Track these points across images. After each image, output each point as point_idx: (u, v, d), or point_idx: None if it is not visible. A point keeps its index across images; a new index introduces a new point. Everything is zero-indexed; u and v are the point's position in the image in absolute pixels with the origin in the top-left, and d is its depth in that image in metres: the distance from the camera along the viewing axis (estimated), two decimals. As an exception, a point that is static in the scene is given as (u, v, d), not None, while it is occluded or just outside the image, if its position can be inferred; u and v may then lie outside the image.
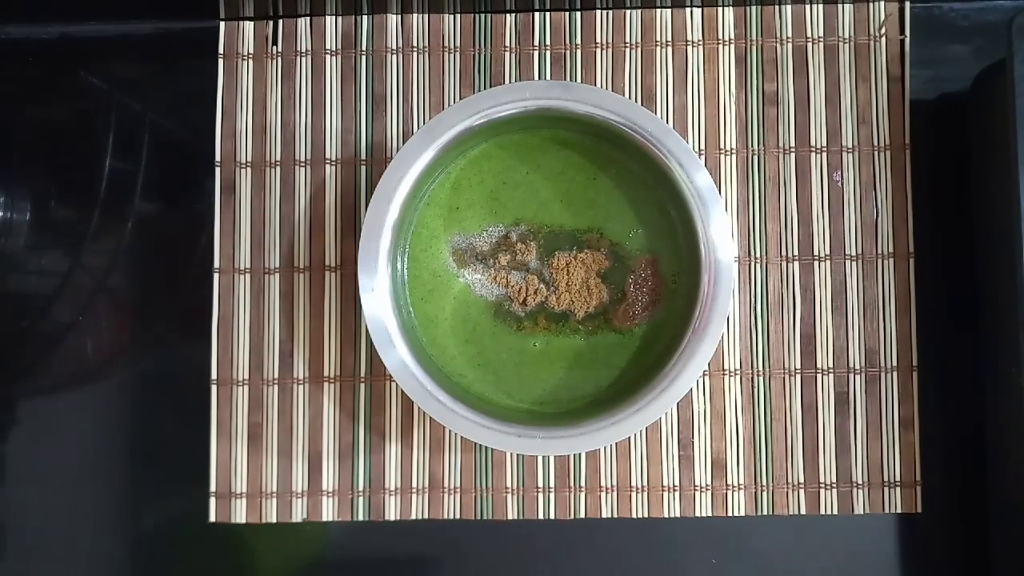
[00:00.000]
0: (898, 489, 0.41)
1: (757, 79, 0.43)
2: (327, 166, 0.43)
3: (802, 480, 0.41)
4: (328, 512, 0.42)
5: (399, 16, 0.43)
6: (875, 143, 0.42)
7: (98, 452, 0.42)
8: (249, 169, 0.43)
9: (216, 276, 0.43)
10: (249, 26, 0.44)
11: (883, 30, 0.43)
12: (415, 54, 0.43)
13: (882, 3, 0.43)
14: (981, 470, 0.41)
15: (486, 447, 0.41)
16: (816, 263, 0.42)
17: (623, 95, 0.42)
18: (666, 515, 0.41)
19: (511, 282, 0.39)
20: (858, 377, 0.42)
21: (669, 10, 0.43)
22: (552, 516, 0.42)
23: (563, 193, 0.39)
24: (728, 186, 0.42)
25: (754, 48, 0.43)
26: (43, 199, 0.44)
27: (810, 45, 0.43)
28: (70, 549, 0.42)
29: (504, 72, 0.43)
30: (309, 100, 0.43)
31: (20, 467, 0.43)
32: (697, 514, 0.41)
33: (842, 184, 0.42)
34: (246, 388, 0.42)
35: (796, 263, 0.42)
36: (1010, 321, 0.37)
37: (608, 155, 0.39)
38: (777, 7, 0.43)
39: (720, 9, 0.43)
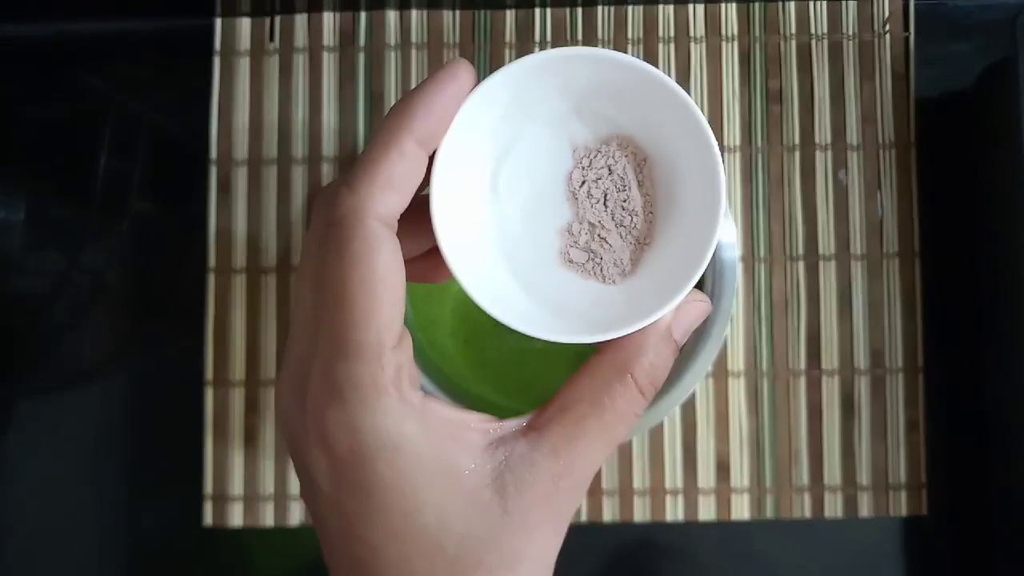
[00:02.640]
0: (904, 492, 0.41)
1: (761, 76, 0.42)
2: (324, 164, 0.42)
3: (807, 483, 0.41)
4: (325, 515, 0.41)
5: (398, 12, 0.43)
6: (880, 141, 0.42)
7: (91, 454, 0.42)
8: (245, 167, 0.42)
9: (211, 275, 0.42)
10: (246, 22, 0.43)
11: (887, 27, 0.42)
12: (414, 51, 0.43)
13: (886, 0, 0.42)
14: (988, 472, 0.40)
15: (486, 449, 0.41)
16: (821, 263, 0.42)
17: (625, 93, 0.42)
18: (668, 519, 0.41)
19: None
20: (864, 379, 0.41)
21: (672, 6, 0.42)
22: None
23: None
24: (731, 185, 0.42)
25: (758, 45, 0.42)
26: (38, 198, 0.43)
27: (814, 42, 0.42)
28: (63, 552, 0.42)
29: (504, 69, 0.43)
30: (306, 97, 0.43)
31: (12, 469, 0.42)
32: (700, 518, 0.41)
33: (847, 182, 0.42)
34: (241, 389, 0.42)
35: (800, 263, 0.42)
36: (1017, 321, 0.36)
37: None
38: (781, 4, 0.42)
39: (723, 5, 0.42)
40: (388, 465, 0.20)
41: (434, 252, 0.22)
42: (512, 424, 0.22)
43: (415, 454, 0.20)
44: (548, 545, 0.22)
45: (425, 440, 0.20)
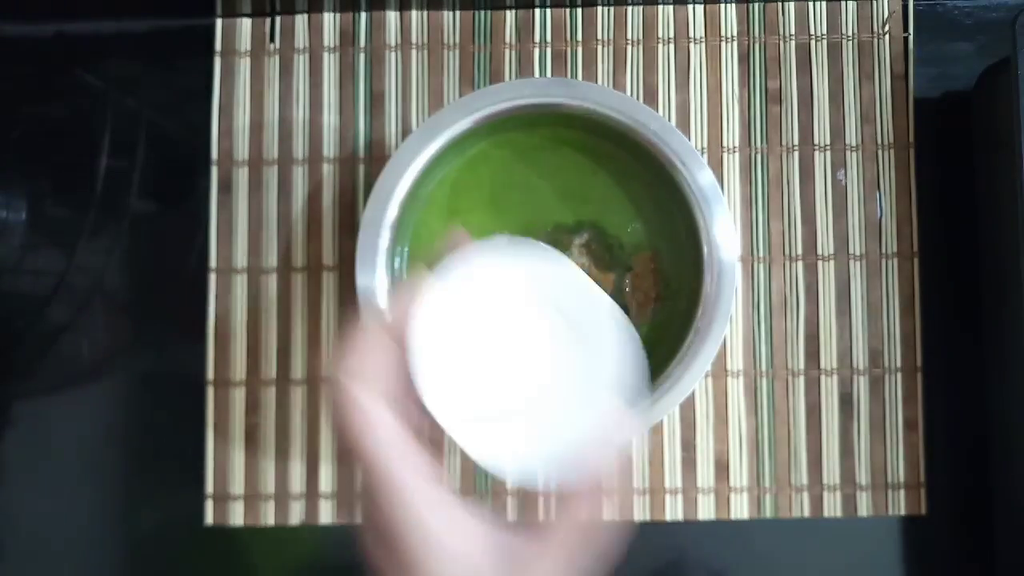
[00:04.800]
0: (902, 491, 0.41)
1: (760, 76, 0.42)
2: (325, 164, 0.42)
3: (805, 482, 0.41)
4: (326, 515, 0.41)
5: (398, 12, 0.43)
6: (879, 141, 0.42)
7: (93, 454, 0.42)
8: (246, 167, 0.42)
9: (212, 276, 0.42)
10: (246, 23, 0.43)
11: (887, 27, 0.42)
12: (414, 51, 0.43)
13: (885, 0, 0.43)
14: (986, 471, 0.40)
15: (486, 449, 0.41)
16: (820, 263, 0.42)
17: (625, 93, 0.42)
18: (668, 518, 0.41)
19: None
20: (862, 378, 0.41)
21: (671, 6, 0.43)
22: (552, 519, 0.41)
23: (563, 192, 0.39)
24: (731, 185, 0.42)
25: (757, 45, 0.42)
26: (39, 198, 0.43)
27: (813, 42, 0.42)
28: (65, 552, 0.42)
29: (504, 69, 0.43)
30: (307, 98, 0.43)
31: (14, 469, 0.42)
32: (699, 517, 0.41)
33: (846, 183, 0.42)
34: (243, 389, 0.42)
35: (799, 263, 0.42)
36: (1015, 321, 0.36)
37: (609, 153, 0.39)
38: (780, 4, 0.42)
39: (723, 6, 0.42)
40: None
41: None
42: None
43: None
44: None
45: None
